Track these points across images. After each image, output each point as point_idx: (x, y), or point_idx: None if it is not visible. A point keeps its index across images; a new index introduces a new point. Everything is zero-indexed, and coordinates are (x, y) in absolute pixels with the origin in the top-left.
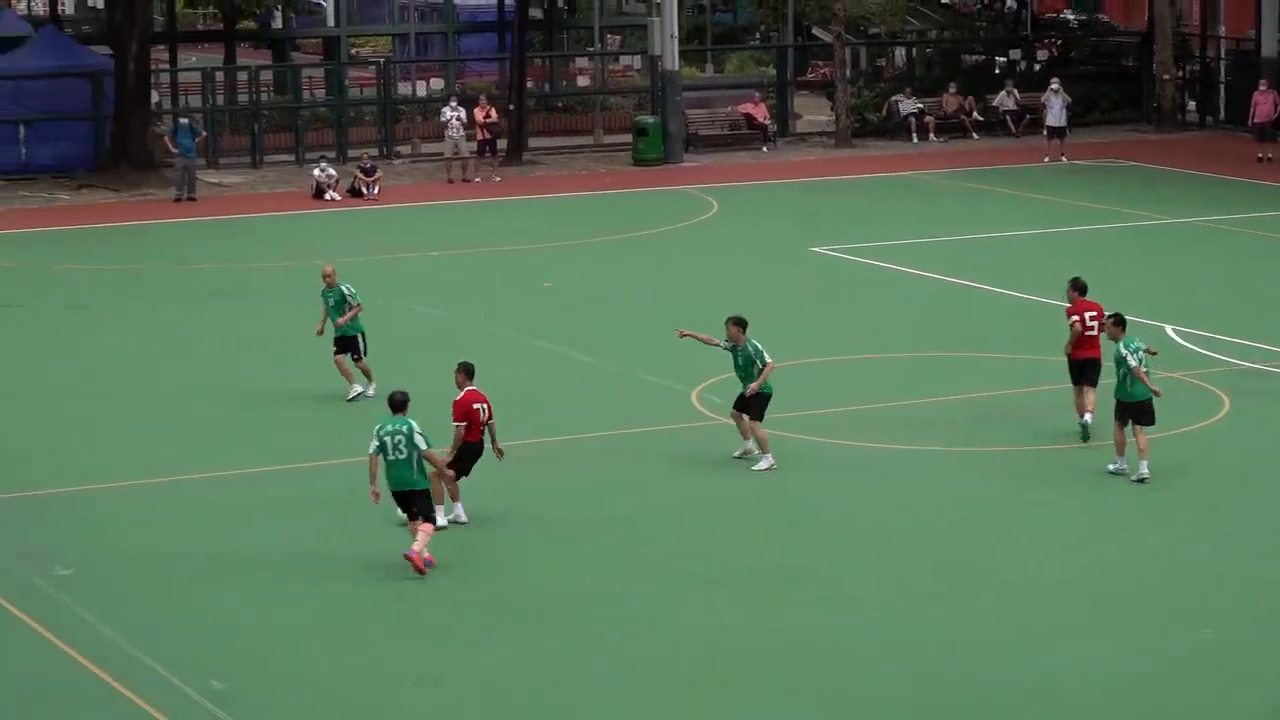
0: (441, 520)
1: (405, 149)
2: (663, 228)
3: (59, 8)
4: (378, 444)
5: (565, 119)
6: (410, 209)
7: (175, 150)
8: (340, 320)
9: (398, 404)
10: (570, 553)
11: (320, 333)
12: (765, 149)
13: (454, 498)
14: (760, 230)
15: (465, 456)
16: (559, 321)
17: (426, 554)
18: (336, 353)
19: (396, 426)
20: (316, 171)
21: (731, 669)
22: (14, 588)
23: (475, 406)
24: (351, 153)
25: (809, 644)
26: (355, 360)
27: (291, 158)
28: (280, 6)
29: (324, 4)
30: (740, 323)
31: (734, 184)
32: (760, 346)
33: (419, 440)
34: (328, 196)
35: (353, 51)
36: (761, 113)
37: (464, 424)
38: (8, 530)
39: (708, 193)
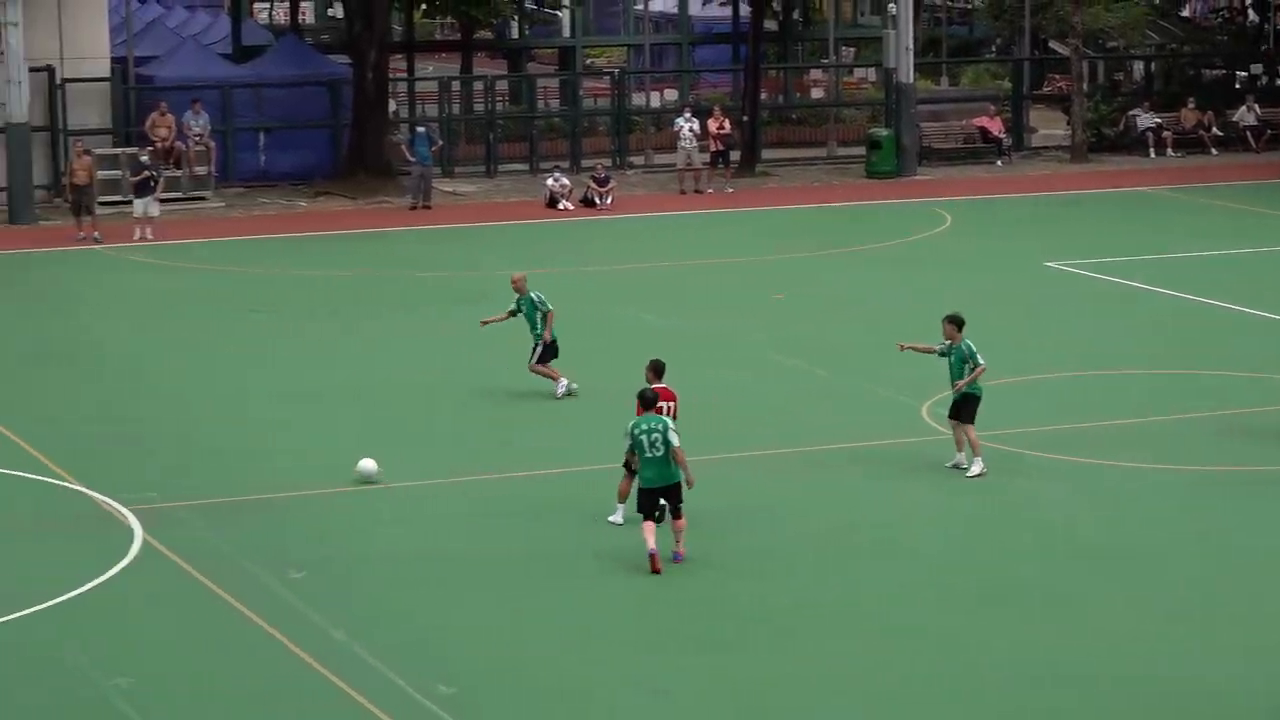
0: (616, 518)
1: (638, 159)
2: (895, 241)
3: (299, 17)
4: (631, 442)
5: (799, 130)
6: (642, 219)
7: (412, 158)
8: (545, 334)
9: (650, 401)
10: (805, 563)
11: (484, 324)
12: (999, 162)
13: (621, 498)
14: (993, 244)
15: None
16: (790, 333)
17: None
18: (537, 362)
19: (652, 425)
20: (550, 181)
21: (986, 684)
22: (247, 589)
23: (658, 404)
24: (585, 163)
25: (1058, 660)
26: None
27: (526, 167)
28: (517, 17)
29: (560, 15)
30: (956, 321)
31: (967, 197)
32: (975, 348)
33: (673, 437)
34: (561, 206)
35: (588, 62)
36: (996, 126)
37: None
38: (242, 532)
39: (941, 206)
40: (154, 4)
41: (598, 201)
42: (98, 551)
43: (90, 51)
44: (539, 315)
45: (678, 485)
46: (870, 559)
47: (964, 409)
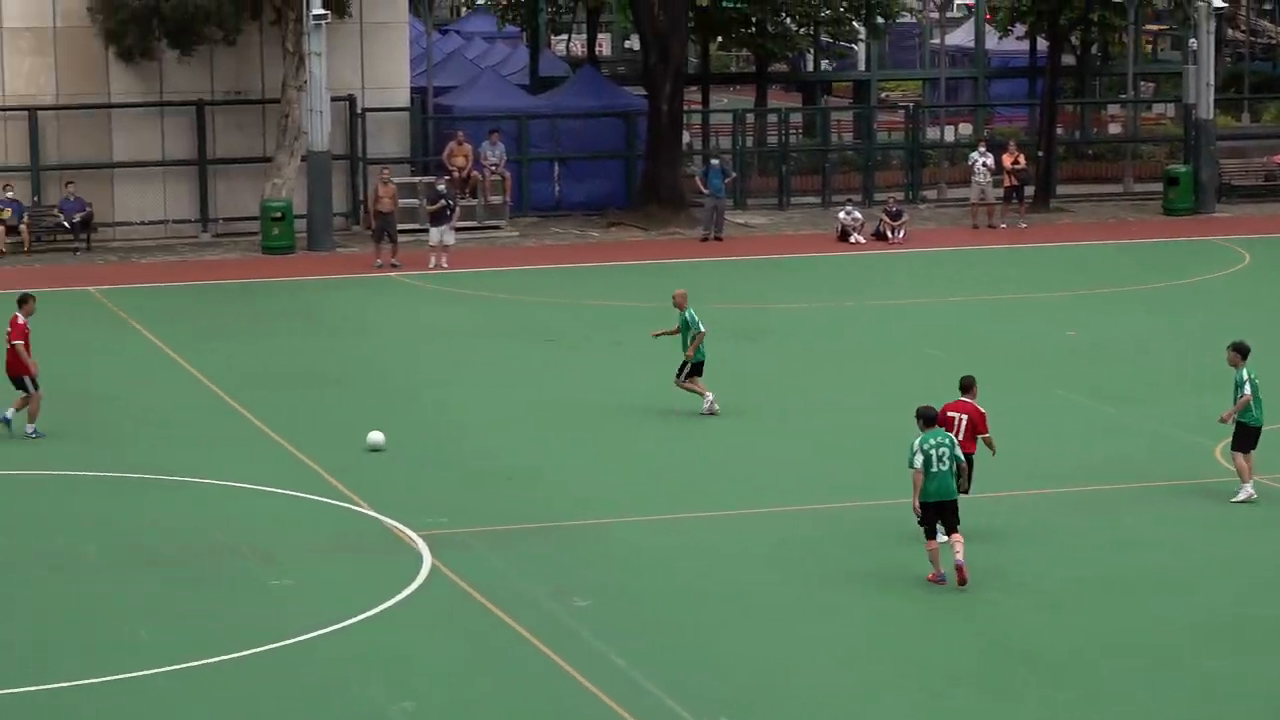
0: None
1: (931, 193)
2: (1191, 279)
3: (597, 49)
4: (923, 458)
5: (1094, 166)
6: (934, 253)
7: (705, 190)
8: (689, 352)
9: (931, 418)
10: (1088, 601)
11: (656, 335)
12: None
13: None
14: None
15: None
16: (1079, 370)
17: (960, 559)
18: (685, 379)
19: (939, 440)
20: (842, 214)
21: None
22: (531, 615)
23: (949, 415)
24: (877, 196)
25: None
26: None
27: (818, 200)
28: (813, 50)
29: (855, 49)
30: (1240, 349)
31: (1268, 236)
32: (1248, 377)
33: (959, 452)
34: (852, 239)
35: (882, 95)
36: None
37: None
38: (528, 558)
39: (1239, 244)
40: (454, 35)
41: (890, 235)
42: (386, 576)
43: (390, 81)
44: (690, 334)
45: (955, 503)
46: (1153, 597)
47: (1236, 435)
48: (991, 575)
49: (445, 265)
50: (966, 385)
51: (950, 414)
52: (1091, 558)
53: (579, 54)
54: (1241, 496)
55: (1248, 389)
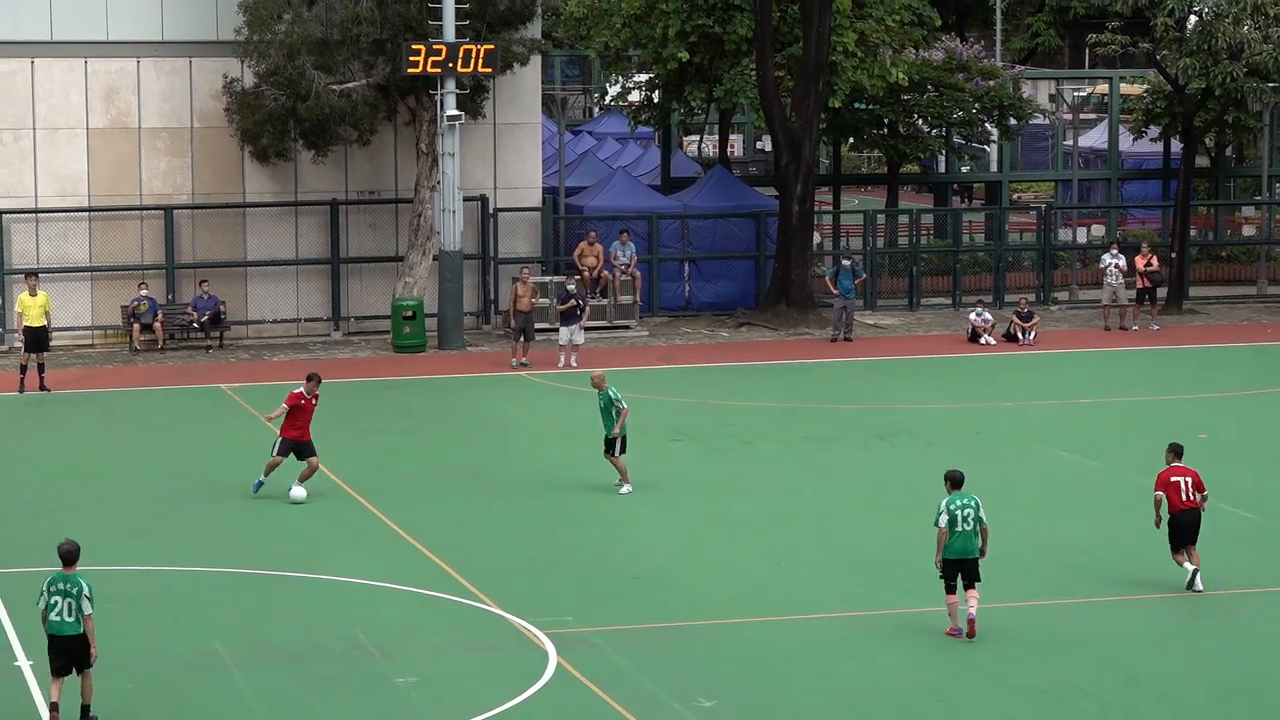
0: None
1: (1063, 295)
2: None
3: (728, 149)
4: (948, 517)
5: (1229, 268)
6: (1066, 355)
7: (835, 291)
8: (616, 429)
9: (959, 481)
10: (1232, 712)
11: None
12: None
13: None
14: None
15: (1176, 526)
16: (1211, 473)
17: (972, 612)
18: (606, 453)
19: (965, 502)
20: (973, 315)
21: None
22: (658, 715)
23: (1173, 480)
24: (1009, 297)
25: None
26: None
27: (948, 301)
28: (945, 151)
29: (988, 150)
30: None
31: None
32: None
33: (983, 515)
34: (983, 341)
35: (1014, 196)
36: None
37: (1163, 494)
38: (654, 657)
39: None
40: (586, 136)
41: (1021, 337)
42: (512, 674)
43: (523, 181)
44: (614, 411)
45: (975, 561)
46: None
47: None
48: (1126, 679)
49: (575, 365)
50: (1179, 450)
51: (1174, 479)
52: (1221, 663)
53: (711, 154)
54: None
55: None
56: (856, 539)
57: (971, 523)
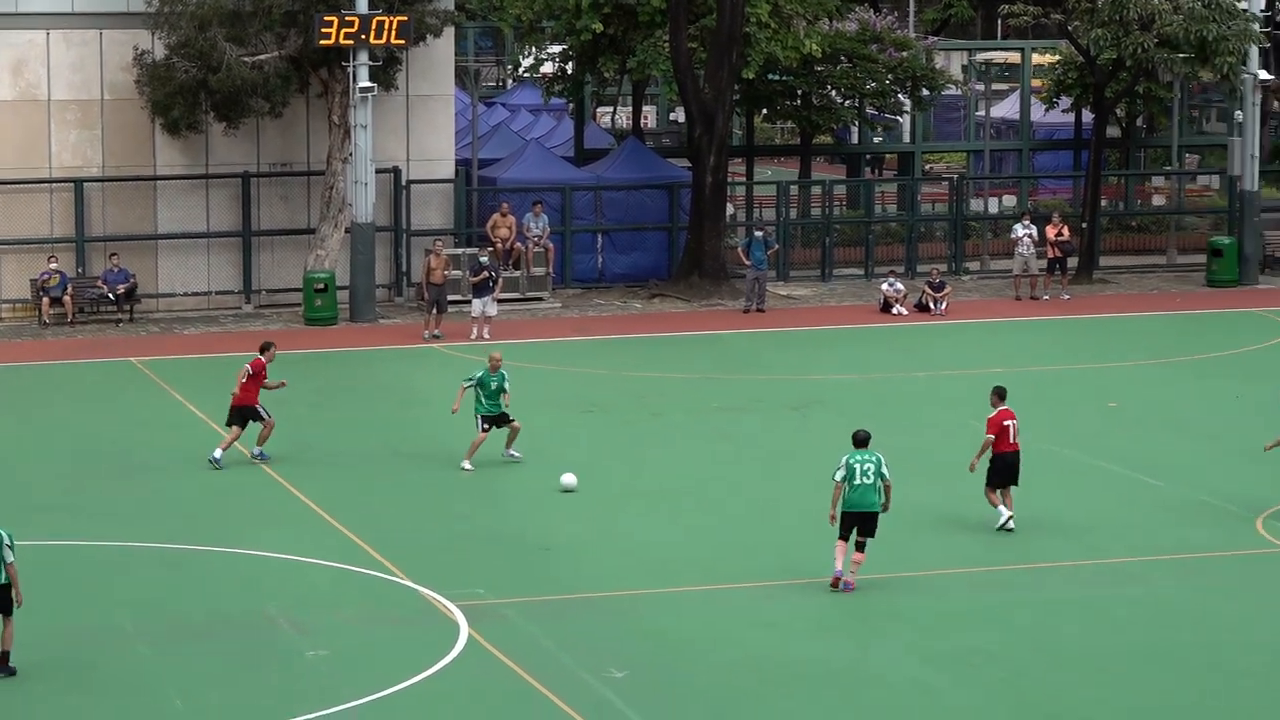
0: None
1: (974, 265)
2: (1234, 350)
3: (642, 121)
4: (845, 471)
5: (1139, 238)
6: (977, 325)
7: (748, 262)
8: (506, 401)
9: (862, 440)
10: (1138, 674)
11: (455, 410)
12: None
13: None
14: None
15: (1002, 466)
16: (1123, 443)
17: (850, 579)
18: (494, 427)
19: (865, 458)
20: (885, 286)
21: None
22: (570, 688)
23: (1005, 423)
24: (921, 268)
25: None
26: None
27: (861, 271)
28: (858, 123)
29: (901, 120)
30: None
31: None
32: None
33: (885, 471)
34: (895, 311)
35: (927, 167)
36: None
37: (994, 436)
38: (566, 630)
39: None
40: (500, 108)
41: (932, 307)
42: (423, 647)
43: (435, 153)
44: (504, 394)
45: (874, 515)
46: (1189, 673)
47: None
48: (1039, 647)
49: (487, 336)
50: (1004, 393)
51: (1006, 422)
52: (1130, 630)
53: (624, 126)
54: None
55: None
56: (767, 510)
57: (872, 477)
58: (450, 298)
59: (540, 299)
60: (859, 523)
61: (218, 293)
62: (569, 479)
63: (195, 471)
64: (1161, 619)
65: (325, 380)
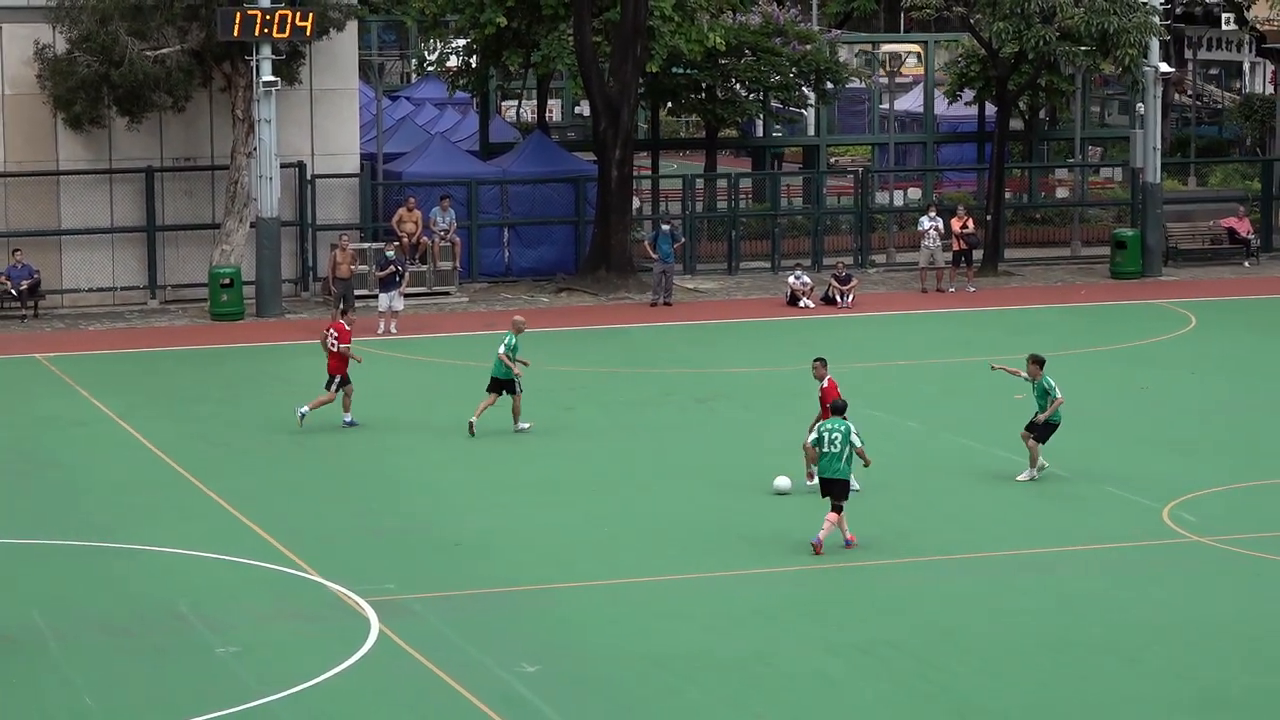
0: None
1: (880, 257)
2: (1137, 341)
3: (547, 115)
4: (816, 436)
5: (1043, 230)
6: (883, 317)
7: (654, 255)
8: (518, 370)
9: (840, 409)
10: (1047, 667)
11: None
12: (1247, 264)
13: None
14: (1239, 346)
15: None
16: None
17: (822, 535)
18: (507, 393)
19: (835, 426)
20: (791, 279)
21: None
22: (482, 682)
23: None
24: (827, 261)
25: None
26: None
27: (768, 264)
28: (762, 116)
29: (805, 114)
30: (1039, 361)
31: (1213, 298)
32: (1054, 384)
33: (854, 439)
34: (802, 304)
35: (831, 160)
36: (1245, 227)
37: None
38: (477, 624)
39: (1186, 307)
40: (404, 102)
41: (839, 300)
42: (333, 642)
43: (340, 148)
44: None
45: (841, 482)
46: (1097, 660)
47: (1043, 431)
48: (945, 638)
49: (394, 331)
50: (825, 362)
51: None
52: (1036, 620)
53: (529, 120)
54: (1024, 477)
55: (1059, 392)
56: (674, 503)
57: (839, 445)
58: (357, 292)
59: (447, 293)
60: (828, 489)
61: (123, 288)
62: (783, 482)
63: (103, 468)
64: (1069, 609)
65: (232, 376)
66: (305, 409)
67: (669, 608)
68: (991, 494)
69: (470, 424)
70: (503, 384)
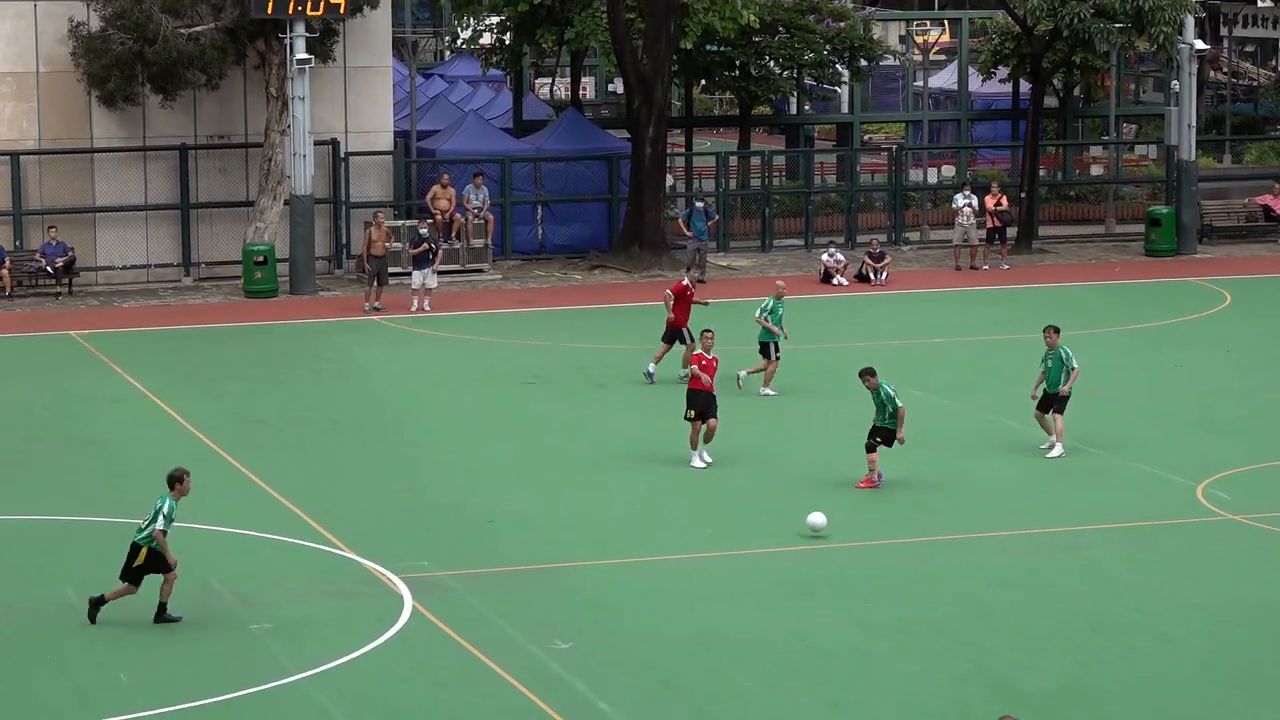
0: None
1: (914, 235)
2: (1172, 320)
3: (580, 92)
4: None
5: (1077, 208)
6: (917, 295)
7: (688, 233)
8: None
9: (871, 373)
10: (1066, 644)
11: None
12: None
13: (693, 446)
14: (1273, 324)
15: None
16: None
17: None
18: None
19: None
20: (825, 256)
21: None
22: (515, 659)
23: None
24: (860, 238)
25: None
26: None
27: (801, 242)
28: (796, 93)
29: (839, 91)
30: (1056, 330)
31: (1248, 276)
32: (1070, 353)
33: (898, 400)
34: (835, 281)
35: (866, 138)
36: None
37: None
38: (511, 602)
39: (1221, 285)
40: (438, 79)
41: (872, 277)
42: (367, 619)
43: (374, 125)
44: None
45: (890, 431)
46: (1133, 638)
47: (1060, 404)
48: (979, 616)
49: (428, 308)
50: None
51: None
52: (1071, 599)
53: (563, 97)
54: (1056, 453)
55: (1076, 362)
56: (711, 481)
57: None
58: (390, 270)
59: (480, 270)
60: (882, 435)
61: (157, 266)
62: (818, 519)
63: (138, 445)
64: (1102, 588)
65: (267, 353)
66: (652, 368)
67: (704, 586)
68: (1025, 472)
69: (739, 377)
70: (768, 347)
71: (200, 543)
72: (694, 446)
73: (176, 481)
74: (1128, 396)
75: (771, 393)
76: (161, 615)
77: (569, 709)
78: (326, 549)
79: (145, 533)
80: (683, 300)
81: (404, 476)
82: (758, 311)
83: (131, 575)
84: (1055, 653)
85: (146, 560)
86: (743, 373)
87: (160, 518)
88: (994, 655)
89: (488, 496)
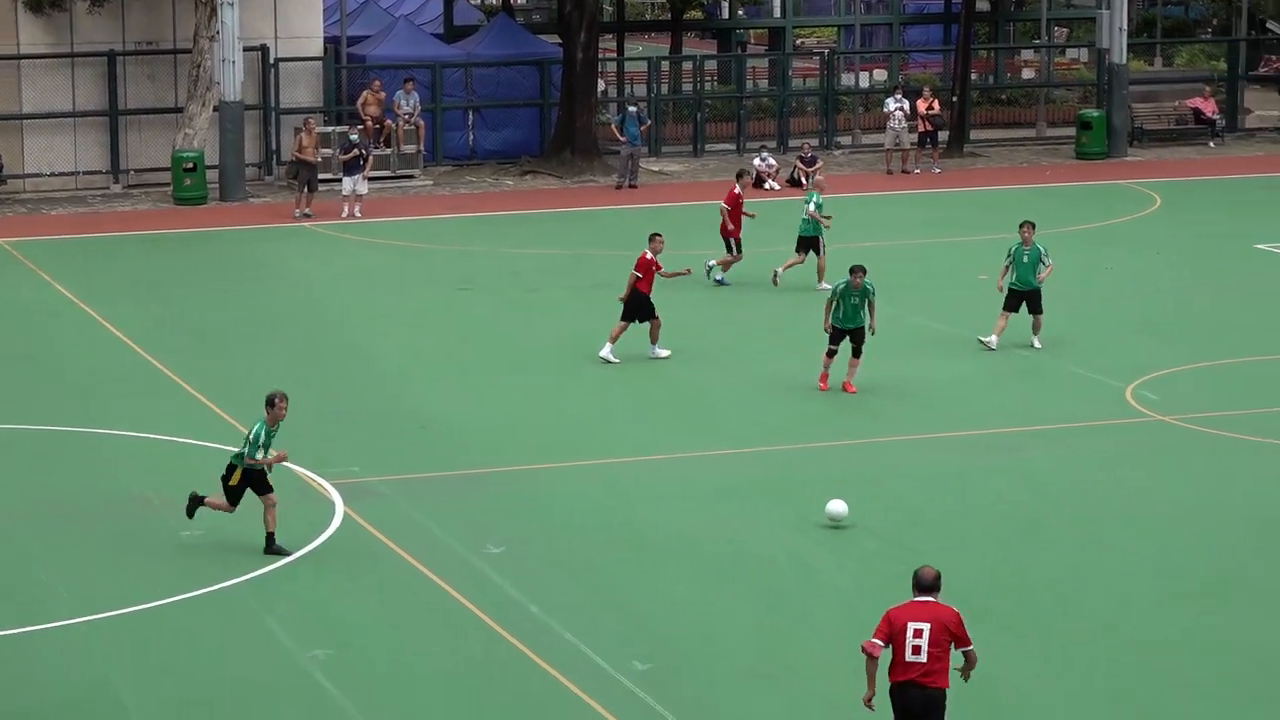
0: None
1: (846, 140)
2: (1103, 222)
3: None
4: (832, 289)
5: (1008, 111)
6: (849, 199)
7: (620, 138)
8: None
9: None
10: (1017, 548)
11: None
12: (1212, 144)
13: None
14: (1203, 226)
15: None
16: (991, 316)
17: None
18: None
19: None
20: (757, 161)
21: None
22: (445, 563)
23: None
24: (792, 143)
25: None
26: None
27: (733, 147)
28: None
29: None
30: (1032, 225)
31: (1178, 179)
32: (1045, 249)
33: (873, 297)
34: (767, 186)
35: (797, 42)
36: (1210, 107)
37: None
38: (442, 506)
39: (1151, 187)
40: None
41: (805, 181)
42: (298, 525)
43: (304, 31)
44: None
45: (860, 329)
46: (1061, 539)
47: (1037, 303)
48: (911, 518)
49: (358, 215)
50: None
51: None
52: (1004, 501)
53: (494, 3)
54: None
55: (1050, 259)
56: (645, 384)
57: (858, 298)
58: (320, 176)
59: (412, 176)
60: (850, 335)
61: (85, 173)
62: (839, 508)
63: (71, 355)
64: (1036, 489)
65: (197, 260)
66: (714, 262)
67: (638, 490)
68: (960, 375)
69: (775, 273)
70: (808, 242)
71: (131, 450)
72: (654, 341)
73: (269, 405)
74: (1059, 299)
75: (827, 286)
76: (270, 545)
77: (501, 613)
78: None
79: (238, 453)
80: (736, 209)
81: (334, 382)
82: (810, 205)
83: (229, 494)
84: (990, 555)
85: (241, 480)
86: (779, 269)
87: (246, 444)
88: (927, 558)
89: (419, 402)
